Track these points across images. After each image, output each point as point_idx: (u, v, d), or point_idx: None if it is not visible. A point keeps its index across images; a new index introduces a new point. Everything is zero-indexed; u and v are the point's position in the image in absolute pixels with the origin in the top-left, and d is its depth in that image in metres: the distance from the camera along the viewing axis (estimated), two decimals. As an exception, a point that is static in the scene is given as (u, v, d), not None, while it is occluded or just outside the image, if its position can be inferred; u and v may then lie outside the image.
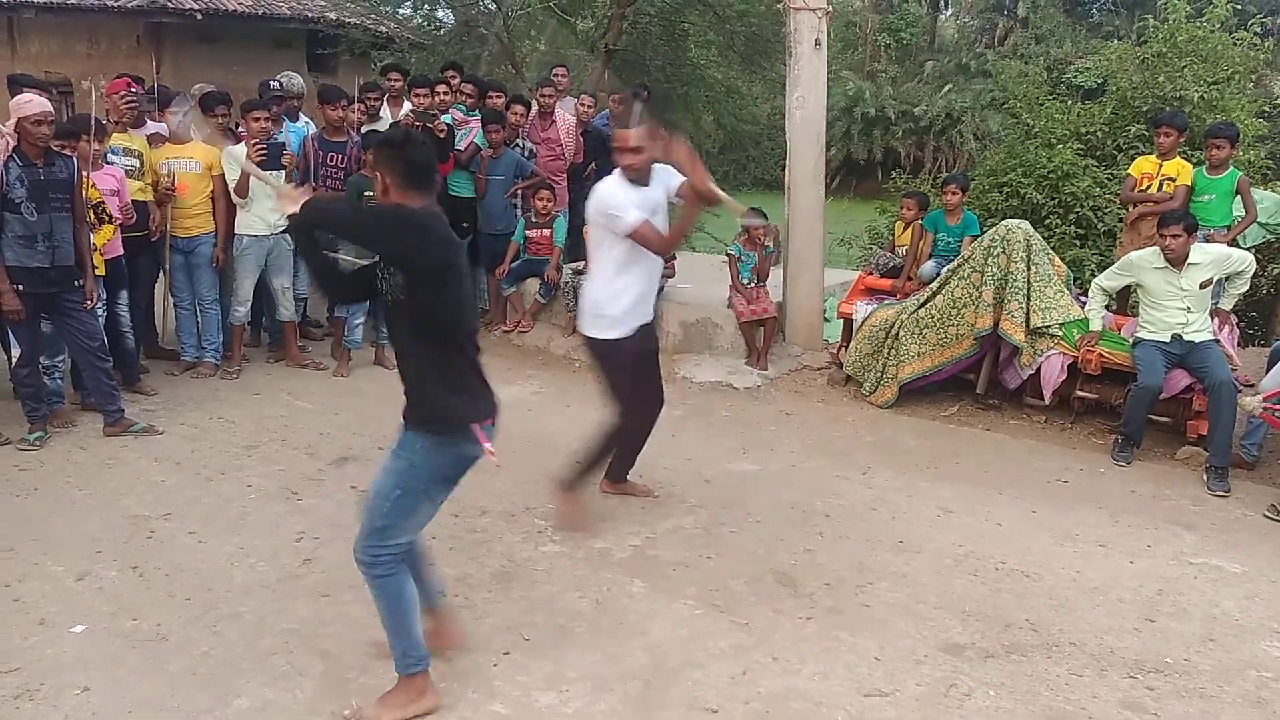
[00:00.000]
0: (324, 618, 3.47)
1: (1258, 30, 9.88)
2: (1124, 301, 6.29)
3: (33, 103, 4.78)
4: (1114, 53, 10.77)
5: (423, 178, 2.75)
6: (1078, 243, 8.30)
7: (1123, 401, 5.42)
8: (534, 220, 7.30)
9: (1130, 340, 5.45)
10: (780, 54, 9.60)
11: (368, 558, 2.82)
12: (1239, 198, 5.90)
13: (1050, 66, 19.77)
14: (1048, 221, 8.27)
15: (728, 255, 7.00)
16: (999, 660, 3.32)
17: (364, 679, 3.09)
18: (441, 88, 7.18)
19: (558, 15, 11.34)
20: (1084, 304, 5.73)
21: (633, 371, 4.12)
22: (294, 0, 14.90)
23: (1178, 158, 6.06)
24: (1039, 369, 5.71)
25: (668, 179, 4.05)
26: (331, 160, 6.55)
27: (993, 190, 8.74)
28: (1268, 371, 5.32)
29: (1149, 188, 6.08)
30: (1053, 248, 6.32)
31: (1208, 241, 5.57)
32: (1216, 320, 5.41)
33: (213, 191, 6.17)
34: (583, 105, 7.78)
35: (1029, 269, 5.71)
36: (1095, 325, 5.56)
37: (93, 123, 5.33)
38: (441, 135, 6.77)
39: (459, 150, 7.11)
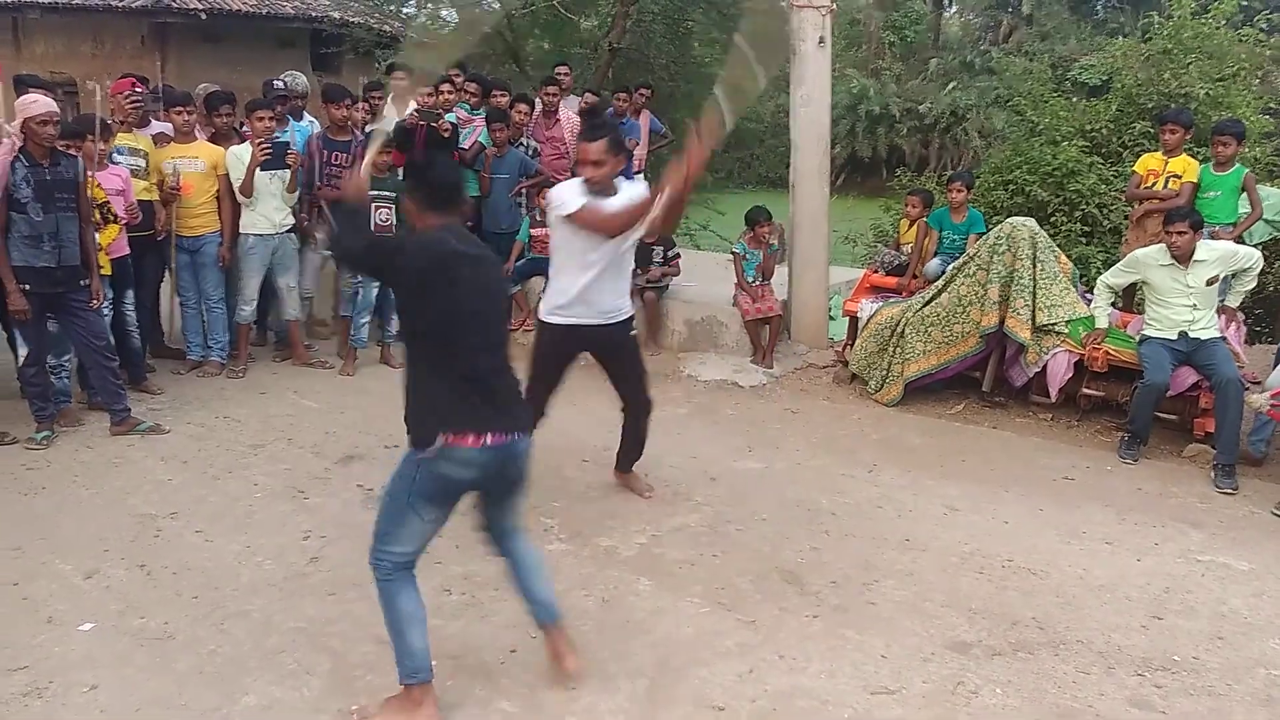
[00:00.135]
0: (330, 616, 3.48)
1: (1263, 26, 9.86)
2: (1130, 299, 6.27)
3: (38, 103, 4.78)
4: (1119, 49, 10.74)
5: (442, 199, 2.81)
6: (1083, 240, 8.28)
7: (1129, 399, 5.41)
8: (539, 219, 7.29)
9: (1136, 338, 5.44)
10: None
11: (371, 560, 2.83)
12: (1245, 194, 5.89)
13: (1055, 63, 19.76)
14: (1053, 219, 8.25)
15: (733, 253, 7.00)
16: (1006, 658, 3.32)
17: (370, 677, 3.10)
18: (446, 86, 7.18)
19: (561, 13, 11.33)
20: (1090, 301, 5.73)
21: (545, 360, 4.24)
22: (298, 0, 14.93)
23: (1183, 154, 6.04)
24: (1045, 366, 5.70)
25: (634, 193, 4.03)
26: (336, 159, 6.54)
27: (998, 188, 8.73)
28: (1275, 368, 5.31)
29: (1154, 185, 6.07)
30: (1058, 245, 6.31)
31: (1213, 238, 5.56)
32: (1223, 317, 5.40)
33: (218, 191, 6.18)
34: (586, 104, 7.77)
35: (1035, 266, 5.70)
36: (1101, 323, 5.55)
37: (98, 122, 5.33)
38: (446, 134, 6.78)
39: (463, 149, 7.11)
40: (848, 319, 6.68)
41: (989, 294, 5.75)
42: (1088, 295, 5.90)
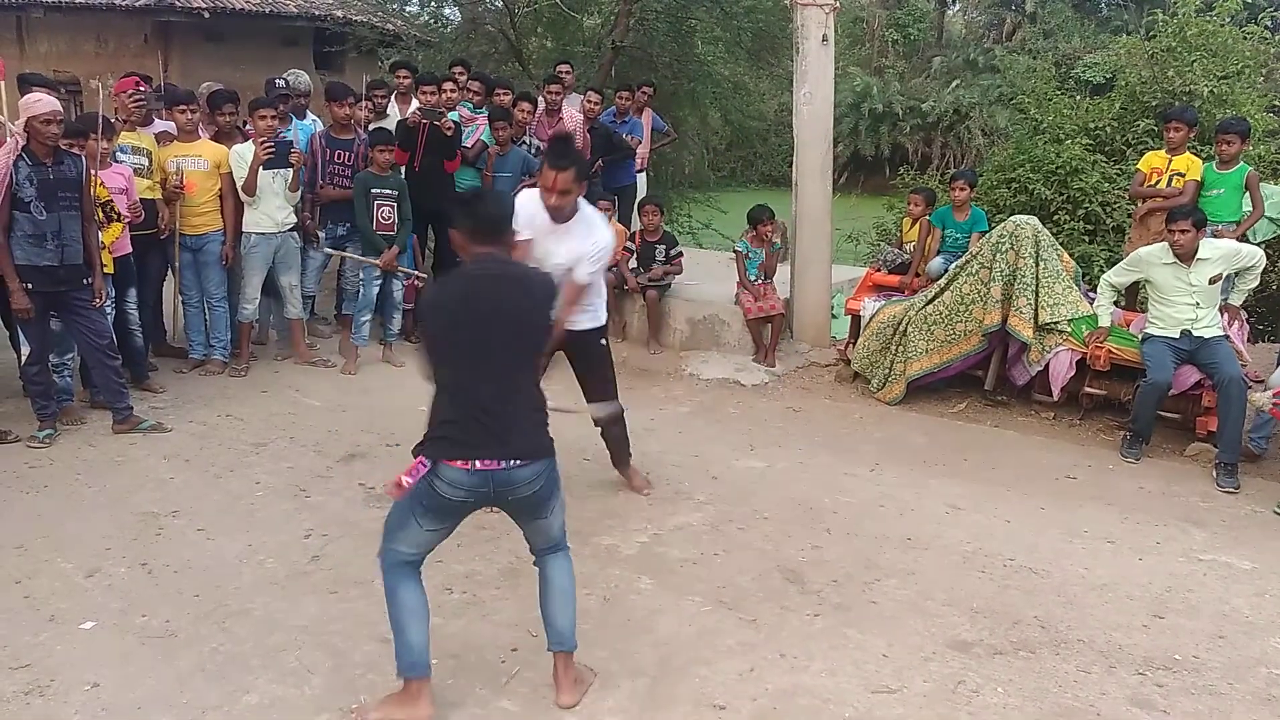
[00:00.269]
0: (332, 614, 3.48)
1: (1268, 24, 9.84)
2: (1133, 297, 6.26)
3: (42, 101, 4.79)
4: (1123, 47, 10.72)
5: (489, 231, 2.87)
6: (1086, 238, 8.27)
7: (1131, 398, 5.40)
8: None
9: (1139, 336, 5.43)
10: (787, 50, 9.60)
11: (379, 553, 2.88)
12: (1248, 193, 5.87)
13: (1058, 61, 19.71)
14: (1056, 217, 8.24)
15: (735, 252, 6.99)
16: (1007, 657, 3.31)
17: (372, 675, 3.10)
18: (449, 85, 7.18)
19: (564, 12, 11.30)
20: (1093, 300, 5.72)
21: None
22: (301, -1, 14.95)
23: (1187, 153, 6.03)
24: (1047, 365, 5.70)
25: (592, 234, 4.03)
26: (339, 158, 6.56)
27: (1001, 186, 8.72)
28: (1278, 367, 5.30)
29: (1158, 183, 6.06)
30: (1061, 243, 6.30)
31: (1217, 237, 5.55)
32: (1226, 316, 5.39)
33: (221, 189, 6.18)
34: (589, 102, 7.77)
35: (1037, 265, 5.69)
36: (1104, 321, 5.54)
37: (101, 121, 5.34)
38: (449, 133, 6.78)
39: (466, 148, 7.12)
40: (850, 317, 6.68)
41: (992, 292, 5.74)
42: (1090, 294, 5.89)
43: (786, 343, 7.00)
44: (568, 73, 8.28)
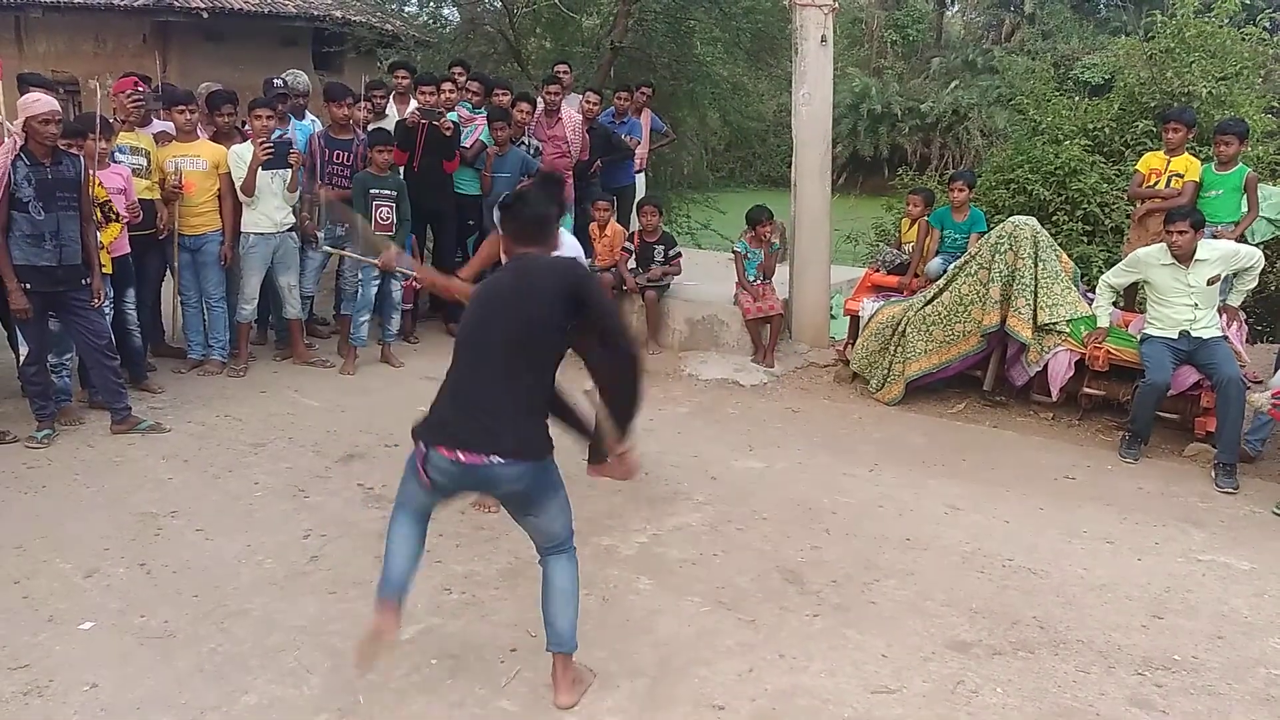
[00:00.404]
0: (331, 615, 3.48)
1: (1266, 25, 9.84)
2: (1131, 298, 6.27)
3: (40, 101, 4.78)
4: (1121, 48, 10.74)
5: (532, 232, 2.92)
6: (1085, 239, 8.28)
7: (1130, 398, 5.40)
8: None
9: (1138, 337, 5.43)
10: (786, 51, 9.61)
11: None
12: (1246, 194, 5.87)
13: (1057, 62, 19.75)
14: (1055, 218, 8.25)
15: (734, 252, 7.00)
16: (1006, 657, 3.31)
17: (370, 676, 3.10)
18: (447, 85, 7.18)
19: (563, 12, 11.30)
20: (1091, 301, 5.72)
21: None
22: (300, -1, 14.95)
23: (1186, 153, 6.03)
24: (1046, 366, 5.70)
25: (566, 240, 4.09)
26: (337, 158, 6.56)
27: (1000, 187, 8.72)
28: (1276, 368, 5.31)
29: (1157, 184, 6.06)
30: (1060, 244, 6.31)
31: (1215, 238, 5.55)
32: (1225, 316, 5.40)
33: (219, 189, 6.18)
34: (588, 103, 7.77)
35: (1036, 266, 5.69)
36: (1103, 322, 5.54)
37: (99, 121, 5.34)
38: (448, 133, 6.78)
39: (465, 148, 7.12)
40: (849, 318, 6.68)
41: (990, 293, 5.75)
42: (1089, 294, 5.89)
43: (785, 343, 7.00)
44: (566, 73, 8.28)
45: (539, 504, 2.87)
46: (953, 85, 26.76)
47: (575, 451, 4.71)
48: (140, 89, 6.16)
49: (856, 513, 4.48)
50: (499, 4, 12.09)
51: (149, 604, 3.53)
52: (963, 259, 6.02)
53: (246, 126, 6.49)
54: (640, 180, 8.67)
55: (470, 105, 7.50)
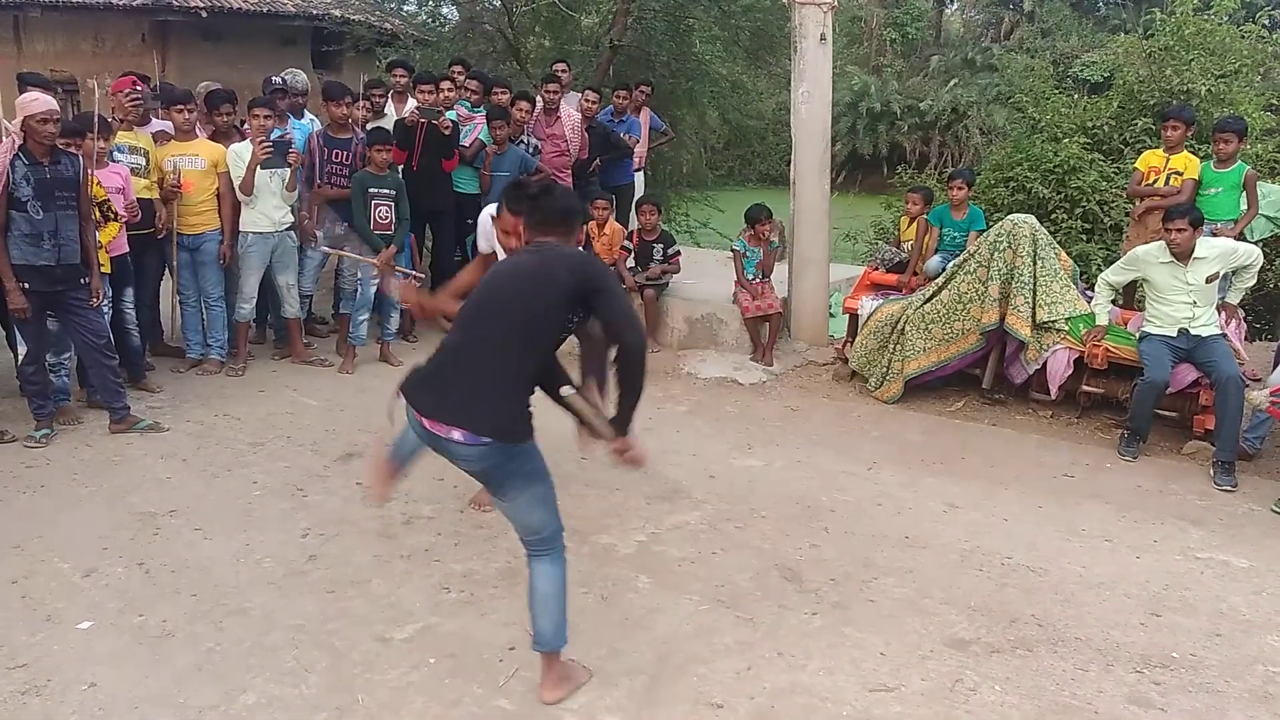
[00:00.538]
0: (329, 613, 3.48)
1: (1265, 23, 9.86)
2: (1130, 296, 6.27)
3: (38, 101, 4.78)
4: (1120, 46, 10.74)
5: (555, 223, 2.94)
6: (1084, 237, 8.28)
7: (1129, 396, 5.40)
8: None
9: (1137, 335, 5.43)
10: (785, 49, 9.60)
11: None
12: (1245, 192, 5.87)
13: (1056, 60, 19.78)
14: (1054, 216, 8.25)
15: (733, 250, 6.99)
16: (1005, 655, 3.32)
17: (369, 674, 3.10)
18: (446, 84, 7.17)
19: (562, 10, 11.29)
20: (1090, 299, 5.72)
21: None
22: (298, -2, 14.95)
23: (1185, 151, 6.03)
24: (1045, 364, 5.70)
25: None
26: (336, 157, 6.55)
27: (999, 185, 8.72)
28: (1275, 366, 5.31)
29: (1156, 182, 6.06)
30: (1059, 242, 6.30)
31: (1214, 235, 5.55)
32: (1223, 314, 5.39)
33: (218, 189, 6.18)
34: (587, 101, 7.77)
35: (1035, 264, 5.69)
36: (1101, 320, 5.54)
37: (98, 120, 5.33)
38: (447, 132, 6.77)
39: (464, 146, 7.11)
40: (848, 316, 6.68)
41: (989, 291, 5.75)
42: (1088, 292, 5.89)
43: (784, 342, 7.00)
44: (565, 72, 8.27)
45: (504, 489, 2.87)
46: (952, 83, 26.78)
47: (575, 451, 4.73)
48: (139, 88, 6.15)
49: (855, 511, 4.48)
50: (498, 2, 12.07)
51: (147, 603, 3.53)
52: (962, 257, 6.02)
53: (245, 126, 6.48)
54: (639, 179, 8.67)
55: (469, 104, 7.50)
